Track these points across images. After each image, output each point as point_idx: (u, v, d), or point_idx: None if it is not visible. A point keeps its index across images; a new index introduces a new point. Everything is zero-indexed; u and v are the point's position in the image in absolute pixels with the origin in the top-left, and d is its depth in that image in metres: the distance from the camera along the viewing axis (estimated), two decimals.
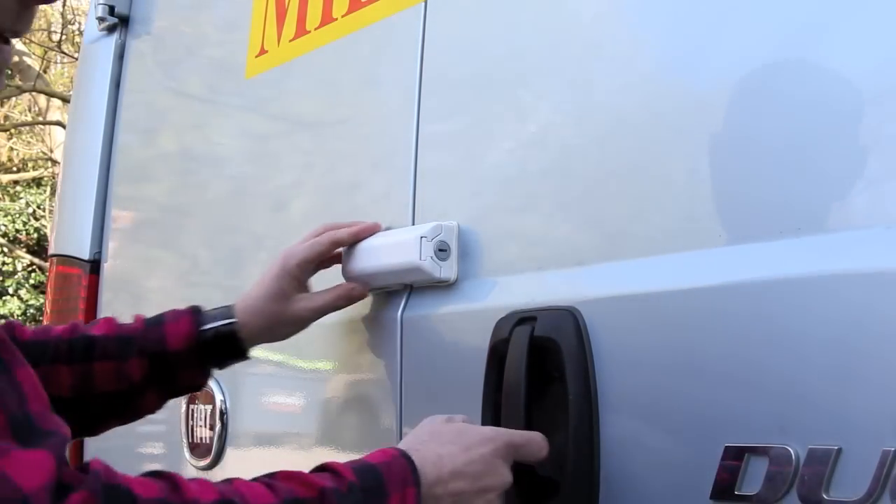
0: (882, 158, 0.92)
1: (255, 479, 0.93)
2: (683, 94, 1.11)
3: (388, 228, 1.40)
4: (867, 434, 0.87)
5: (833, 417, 0.90)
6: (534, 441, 1.09)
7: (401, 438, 1.36)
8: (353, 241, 1.39)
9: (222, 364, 1.37)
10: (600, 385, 1.10)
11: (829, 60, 0.99)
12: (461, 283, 1.31)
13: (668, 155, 1.10)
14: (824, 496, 0.88)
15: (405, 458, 1.00)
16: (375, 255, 1.38)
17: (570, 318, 1.12)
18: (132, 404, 1.34)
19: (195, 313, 1.35)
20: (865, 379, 0.88)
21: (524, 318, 1.16)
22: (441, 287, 1.32)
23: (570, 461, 1.09)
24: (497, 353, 1.18)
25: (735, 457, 0.96)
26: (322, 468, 0.96)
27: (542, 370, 1.14)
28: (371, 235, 1.39)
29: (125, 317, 2.00)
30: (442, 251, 1.30)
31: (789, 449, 0.91)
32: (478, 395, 1.20)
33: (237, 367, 1.69)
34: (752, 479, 0.94)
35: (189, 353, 1.32)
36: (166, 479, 0.86)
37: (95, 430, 1.37)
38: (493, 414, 1.18)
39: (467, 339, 1.28)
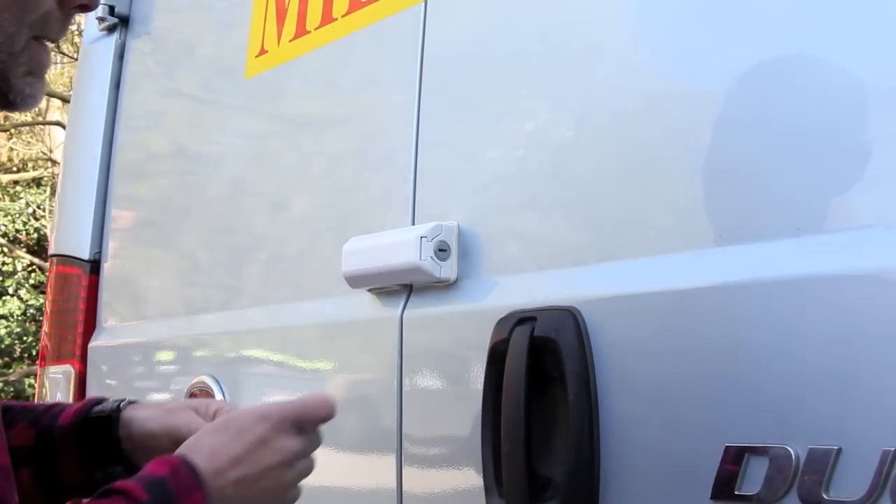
0: (882, 158, 0.92)
1: None
2: (683, 95, 1.11)
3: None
4: (867, 434, 0.87)
5: (833, 417, 0.90)
6: (310, 404, 1.06)
7: (401, 439, 1.36)
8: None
9: (95, 445, 1.23)
10: (600, 385, 1.10)
11: (830, 61, 0.99)
12: (461, 283, 1.31)
13: (667, 155, 1.10)
14: (824, 496, 0.88)
15: (186, 463, 0.99)
16: (375, 256, 1.38)
17: (570, 318, 1.12)
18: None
19: (95, 401, 1.25)
20: (865, 379, 0.88)
21: (524, 318, 1.16)
22: (441, 287, 1.32)
23: (570, 461, 1.09)
24: (497, 353, 1.18)
25: (735, 457, 0.96)
26: (111, 491, 0.96)
27: (542, 370, 1.14)
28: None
29: (125, 317, 2.00)
30: (442, 251, 1.30)
31: (789, 449, 0.91)
32: (478, 394, 1.20)
33: (237, 367, 1.69)
34: (752, 479, 0.94)
35: (71, 429, 1.21)
36: None
37: None
38: (493, 414, 1.18)
39: (467, 338, 1.28)
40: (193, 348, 1.84)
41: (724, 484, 0.96)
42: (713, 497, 0.97)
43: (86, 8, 0.95)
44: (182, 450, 1.03)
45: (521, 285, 1.22)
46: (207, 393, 1.70)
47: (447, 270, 1.31)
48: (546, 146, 1.25)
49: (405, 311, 1.37)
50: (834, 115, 0.96)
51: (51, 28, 0.93)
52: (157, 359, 1.95)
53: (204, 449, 1.02)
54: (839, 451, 0.88)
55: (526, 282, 1.22)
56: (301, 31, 1.67)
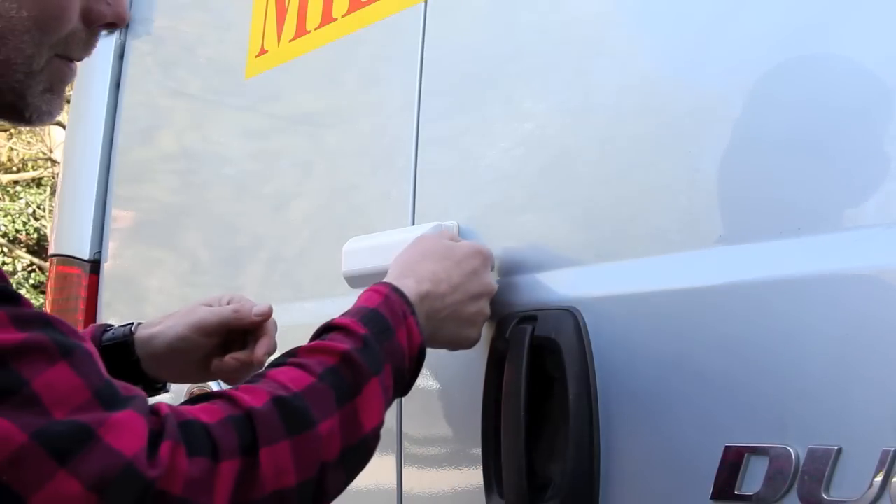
0: (883, 158, 0.92)
1: (278, 363, 0.98)
2: (683, 95, 1.10)
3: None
4: (867, 434, 0.87)
5: (833, 417, 0.90)
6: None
7: (401, 439, 1.36)
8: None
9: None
10: (600, 385, 1.10)
11: (830, 60, 0.99)
12: None
13: (667, 155, 1.10)
14: (824, 496, 0.88)
15: (396, 292, 1.07)
16: (375, 256, 1.38)
17: (570, 318, 1.12)
18: None
19: (105, 327, 1.31)
20: (865, 379, 0.88)
21: (524, 318, 1.16)
22: None
23: (570, 461, 1.09)
24: (497, 353, 1.18)
25: (735, 457, 0.96)
26: (329, 327, 1.02)
27: (542, 370, 1.14)
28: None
29: (126, 317, 2.00)
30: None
31: (789, 449, 0.91)
32: (478, 394, 1.20)
33: None
34: (753, 479, 0.94)
35: None
36: (221, 397, 0.91)
37: None
38: (493, 413, 1.18)
39: None
40: None
41: (724, 484, 0.96)
42: (713, 497, 0.97)
43: (114, 26, 0.92)
44: (393, 273, 1.12)
45: (521, 285, 1.22)
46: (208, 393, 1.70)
47: None
48: (546, 146, 1.25)
49: None
50: (834, 115, 0.96)
51: (74, 47, 0.90)
52: None
53: (427, 274, 1.12)
54: (839, 450, 0.88)
55: (526, 282, 1.22)
56: (301, 31, 1.67)
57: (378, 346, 1.00)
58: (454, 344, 1.17)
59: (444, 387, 1.32)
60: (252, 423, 0.88)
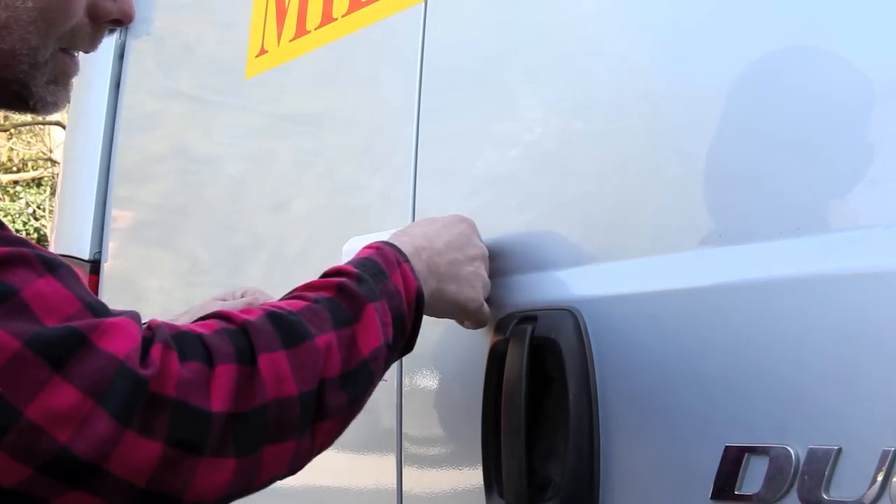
0: (883, 158, 0.92)
1: (282, 299, 1.00)
2: (682, 94, 1.10)
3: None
4: (867, 434, 0.87)
5: (833, 417, 0.90)
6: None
7: (401, 439, 1.36)
8: None
9: None
10: (600, 385, 1.10)
11: (830, 59, 0.99)
12: None
13: (667, 155, 1.10)
14: (824, 496, 0.88)
15: (389, 245, 1.10)
16: None
17: (570, 318, 1.12)
18: None
19: None
20: (865, 379, 0.88)
21: (524, 318, 1.16)
22: None
23: (570, 461, 1.09)
24: (497, 353, 1.18)
25: (735, 457, 0.96)
26: (323, 275, 1.04)
27: (542, 370, 1.14)
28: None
29: None
30: None
31: (789, 449, 0.91)
32: (478, 394, 1.20)
33: None
34: (753, 479, 0.94)
35: None
36: (216, 316, 0.93)
37: None
38: (493, 413, 1.18)
39: (468, 338, 1.28)
40: None
41: (724, 484, 0.96)
42: (713, 497, 0.97)
43: (119, 23, 0.94)
44: (390, 239, 1.13)
45: (521, 285, 1.22)
46: None
47: None
48: (546, 146, 1.25)
49: None
50: (834, 115, 0.96)
51: (80, 41, 0.92)
52: None
53: (416, 233, 1.15)
54: (839, 450, 0.88)
55: (526, 282, 1.22)
56: (301, 31, 1.67)
57: (373, 282, 1.02)
58: (460, 306, 1.17)
59: (444, 387, 1.32)
60: (247, 334, 0.88)
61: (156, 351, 0.83)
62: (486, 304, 1.19)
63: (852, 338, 0.89)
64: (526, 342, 1.14)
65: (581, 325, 1.11)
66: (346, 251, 1.43)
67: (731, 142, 1.05)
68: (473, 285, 1.17)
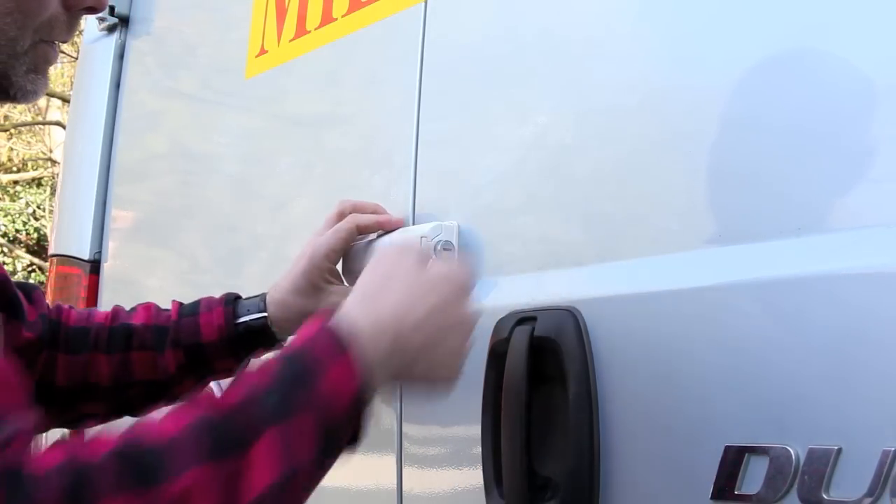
0: (882, 158, 0.92)
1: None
2: (683, 94, 1.10)
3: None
4: (867, 434, 0.87)
5: (833, 417, 0.90)
6: (470, 268, 1.03)
7: (401, 439, 1.36)
8: (375, 230, 1.36)
9: (255, 352, 1.35)
10: (600, 385, 1.10)
11: (830, 59, 0.99)
12: None
13: (667, 155, 1.10)
14: (824, 496, 0.88)
15: (334, 327, 0.90)
16: (371, 255, 1.38)
17: (570, 318, 1.12)
18: (171, 391, 1.35)
19: (228, 304, 1.35)
20: (866, 379, 0.88)
21: (524, 318, 1.16)
22: None
23: (570, 461, 1.09)
24: (497, 353, 1.18)
25: (735, 457, 0.96)
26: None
27: (542, 370, 1.14)
28: (393, 230, 1.36)
29: None
30: (446, 250, 1.30)
31: (789, 449, 0.91)
32: (478, 395, 1.20)
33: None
34: (752, 479, 0.94)
35: (222, 344, 1.33)
36: (64, 445, 0.78)
37: (136, 412, 1.36)
38: (493, 414, 1.18)
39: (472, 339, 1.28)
40: None
41: (725, 484, 0.96)
42: (713, 497, 0.97)
43: (93, 10, 0.94)
44: (351, 299, 0.95)
45: (521, 285, 1.22)
46: (207, 393, 1.70)
47: None
48: (546, 146, 1.25)
49: None
50: (835, 114, 0.96)
51: (57, 31, 0.93)
52: None
53: (388, 301, 0.93)
54: (839, 450, 0.88)
55: (526, 282, 1.22)
56: (301, 31, 1.67)
57: (291, 390, 0.84)
58: (429, 388, 1.01)
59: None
60: (83, 477, 0.74)
61: None
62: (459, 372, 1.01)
63: (853, 338, 0.89)
64: (526, 342, 1.14)
65: (581, 326, 1.11)
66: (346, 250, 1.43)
67: (730, 142, 1.04)
68: (450, 364, 0.98)
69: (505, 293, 1.23)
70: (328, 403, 0.86)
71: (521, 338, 1.15)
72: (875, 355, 0.87)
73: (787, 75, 1.01)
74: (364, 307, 0.93)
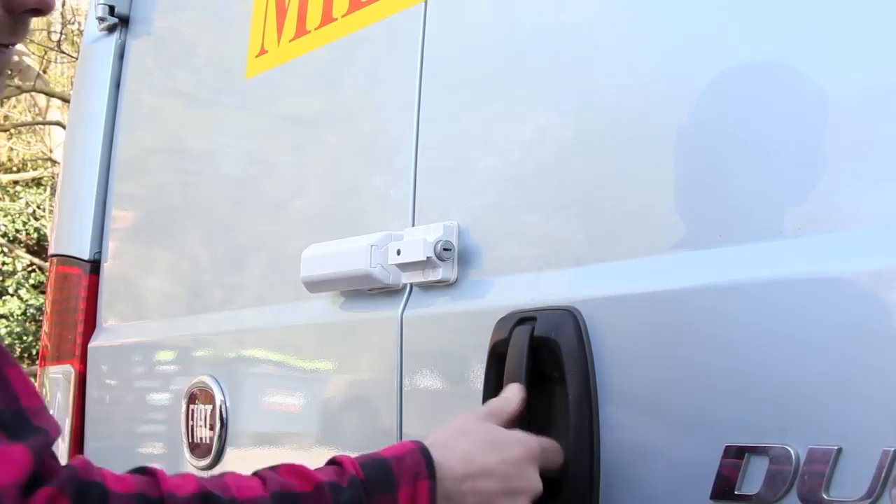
0: (882, 159, 0.92)
1: (256, 472, 0.91)
2: (682, 96, 1.10)
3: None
4: (867, 434, 0.87)
5: (833, 417, 0.90)
6: (555, 448, 1.08)
7: (400, 438, 1.36)
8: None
9: None
10: (600, 385, 1.09)
11: (828, 60, 0.99)
12: (461, 282, 1.31)
13: (667, 155, 1.10)
14: (824, 496, 0.88)
15: (421, 451, 0.97)
16: (331, 262, 1.40)
17: (569, 318, 1.12)
18: None
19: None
20: (865, 379, 0.88)
21: (524, 318, 1.16)
22: (441, 287, 1.32)
23: (570, 461, 1.09)
24: (497, 353, 1.18)
25: (735, 456, 0.96)
26: (332, 462, 0.95)
27: (542, 370, 1.14)
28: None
29: (125, 317, 1.99)
30: (446, 250, 1.30)
31: (789, 449, 0.91)
32: (478, 394, 1.20)
33: (237, 367, 1.69)
34: (753, 479, 0.94)
35: None
36: (148, 473, 0.85)
37: None
38: None
39: (467, 338, 1.28)
40: (193, 348, 1.84)
41: (724, 484, 0.96)
42: (713, 497, 0.97)
43: (39, 12, 0.90)
44: (431, 440, 1.00)
45: (521, 285, 1.22)
46: (207, 393, 1.71)
47: (448, 270, 1.30)
48: (546, 146, 1.25)
49: (405, 311, 1.37)
50: (833, 116, 0.96)
51: (2, 34, 0.88)
52: (157, 359, 1.95)
53: (459, 451, 0.99)
54: (839, 450, 0.88)
55: (526, 282, 1.22)
56: (301, 31, 1.67)
57: (365, 494, 0.91)
58: None
59: (444, 387, 1.32)
60: None
61: (44, 494, 0.77)
62: None
63: (853, 338, 0.89)
64: (526, 342, 1.14)
65: (581, 326, 1.11)
66: (304, 258, 1.45)
67: (730, 144, 1.04)
68: None
69: (505, 293, 1.23)
70: None
71: (520, 338, 1.14)
72: (875, 355, 0.87)
73: (785, 76, 1.01)
74: (445, 448, 0.99)
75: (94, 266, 2.09)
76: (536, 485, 1.02)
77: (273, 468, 0.92)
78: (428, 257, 1.30)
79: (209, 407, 1.70)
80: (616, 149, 1.16)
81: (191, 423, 1.75)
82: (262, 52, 1.75)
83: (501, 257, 1.28)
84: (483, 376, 1.20)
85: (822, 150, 0.96)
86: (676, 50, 1.12)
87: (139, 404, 1.98)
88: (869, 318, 0.89)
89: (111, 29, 2.15)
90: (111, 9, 2.13)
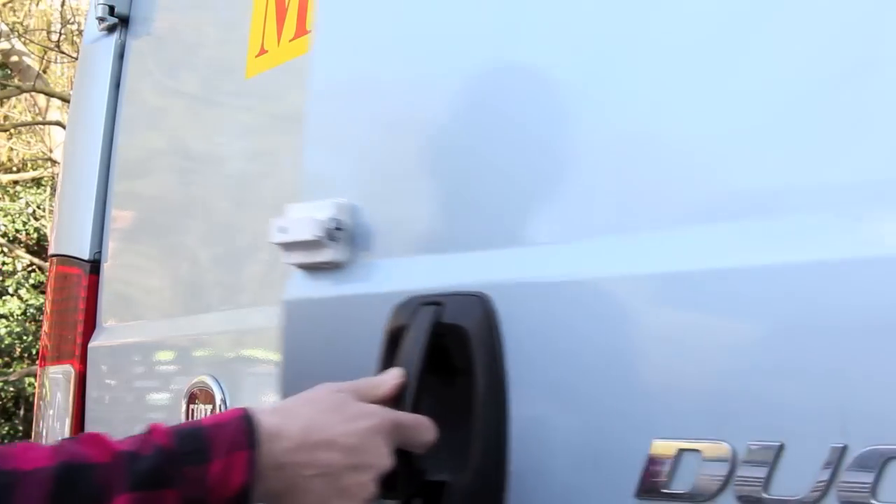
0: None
1: (58, 441, 0.88)
2: (586, 88, 1.05)
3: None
4: (813, 430, 0.81)
5: (775, 412, 0.84)
6: (421, 424, 0.99)
7: None
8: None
9: None
10: (512, 377, 1.02)
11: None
12: (353, 264, 1.21)
13: (580, 140, 1.05)
14: (765, 495, 0.83)
15: (245, 419, 0.90)
16: (304, 226, 1.25)
17: (478, 303, 1.04)
18: None
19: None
20: (810, 372, 0.83)
21: (427, 303, 1.06)
22: (330, 268, 1.23)
23: (477, 459, 1.01)
24: (392, 340, 1.08)
25: (664, 453, 0.90)
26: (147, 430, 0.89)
27: (446, 360, 1.05)
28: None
29: (125, 317, 1.99)
30: (339, 230, 1.20)
31: (726, 445, 0.86)
32: None
33: (237, 367, 1.69)
34: (684, 477, 0.89)
35: None
36: None
37: None
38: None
39: (359, 325, 1.18)
40: (193, 348, 1.84)
41: (651, 482, 0.90)
42: (638, 496, 0.91)
43: None
44: (269, 407, 0.95)
45: (422, 268, 1.14)
46: (207, 393, 1.71)
47: (340, 251, 1.20)
48: (450, 123, 1.17)
49: (288, 295, 1.30)
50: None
51: None
52: (157, 359, 1.95)
53: (300, 420, 0.93)
54: (781, 447, 0.83)
55: (428, 264, 1.14)
56: (301, 31, 1.67)
57: (168, 464, 0.85)
58: None
59: (328, 375, 1.17)
60: None
61: None
62: None
63: (795, 328, 0.84)
64: (427, 327, 1.03)
65: (491, 312, 1.03)
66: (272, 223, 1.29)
67: (650, 127, 0.99)
68: (351, 496, 0.93)
69: (404, 276, 1.13)
70: (205, 488, 0.86)
71: (423, 322, 1.04)
72: (821, 346, 0.82)
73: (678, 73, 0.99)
74: (277, 413, 0.93)
75: (94, 266, 2.09)
76: (384, 461, 0.95)
77: (75, 437, 0.88)
78: (318, 236, 1.20)
79: (209, 407, 1.71)
80: (520, 131, 1.09)
81: None
82: (262, 52, 1.75)
83: (401, 238, 1.18)
84: (374, 366, 1.10)
85: (764, 137, 0.94)
86: (577, 34, 1.08)
87: (139, 404, 1.98)
88: (816, 308, 0.83)
89: (111, 29, 2.16)
90: (111, 9, 2.13)
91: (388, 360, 1.08)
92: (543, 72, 1.12)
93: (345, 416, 0.94)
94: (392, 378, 1.02)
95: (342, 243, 1.21)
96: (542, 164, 1.07)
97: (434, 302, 1.06)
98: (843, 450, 0.80)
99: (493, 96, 1.14)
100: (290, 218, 1.25)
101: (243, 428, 0.89)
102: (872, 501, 0.78)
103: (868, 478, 0.78)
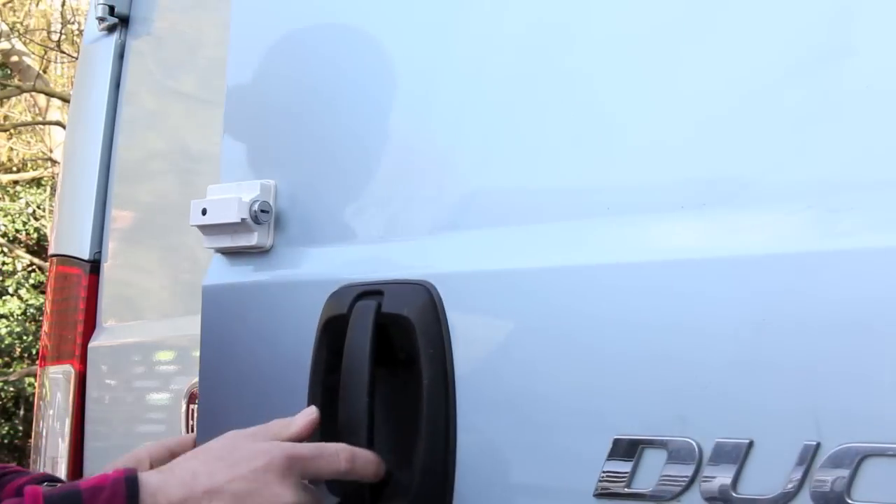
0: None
1: None
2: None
3: None
4: (784, 426, 0.79)
5: (744, 408, 0.82)
6: (326, 453, 0.96)
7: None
8: None
9: None
10: (458, 370, 0.98)
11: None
12: (279, 249, 1.17)
13: (534, 121, 1.00)
14: (733, 493, 0.81)
15: (126, 479, 0.89)
16: (221, 209, 1.22)
17: (423, 293, 0.99)
18: None
19: None
20: (781, 366, 0.80)
21: (368, 292, 1.02)
22: (254, 254, 1.18)
23: (421, 457, 0.97)
24: (332, 331, 1.03)
25: (625, 450, 0.86)
26: (20, 492, 0.89)
27: (388, 352, 1.01)
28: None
29: (125, 317, 2.00)
30: (264, 212, 1.14)
31: (692, 442, 0.83)
32: (297, 378, 1.07)
33: None
34: (646, 475, 0.86)
35: None
36: None
37: None
38: (323, 401, 1.04)
39: (284, 313, 1.14)
40: (193, 348, 1.84)
41: (612, 480, 0.87)
42: (598, 495, 0.88)
43: None
44: (160, 468, 0.95)
45: (362, 256, 1.09)
46: None
47: (263, 235, 1.15)
48: (388, 105, 1.12)
49: (207, 280, 1.26)
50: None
51: None
52: (157, 359, 1.95)
53: (182, 474, 0.92)
54: (751, 444, 0.81)
55: (368, 252, 1.09)
56: None
57: None
58: None
59: (252, 372, 1.18)
60: None
61: None
62: None
63: (766, 322, 0.81)
64: (371, 319, 0.99)
65: (437, 302, 0.99)
66: (194, 204, 1.28)
67: (615, 109, 0.95)
68: None
69: (339, 264, 1.08)
70: None
71: (364, 313, 1.00)
72: (792, 341, 0.80)
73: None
74: (161, 471, 0.93)
75: (94, 266, 2.09)
76: (285, 498, 0.93)
77: None
78: (242, 219, 1.13)
79: None
80: (472, 112, 1.04)
81: (191, 422, 1.75)
82: None
83: (335, 224, 1.13)
84: (310, 360, 1.06)
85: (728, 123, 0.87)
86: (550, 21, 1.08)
87: (139, 404, 1.97)
88: (787, 301, 0.81)
89: (111, 29, 2.15)
90: (111, 9, 2.13)
91: (324, 351, 1.03)
92: (478, 53, 1.06)
93: (231, 462, 0.93)
94: (304, 416, 1.00)
95: (266, 226, 1.16)
96: (481, 147, 1.02)
97: (374, 291, 1.01)
98: (817, 447, 0.77)
99: (425, 77, 1.08)
100: (212, 199, 1.18)
101: (122, 491, 0.88)
102: (848, 500, 0.76)
103: (843, 475, 0.76)
